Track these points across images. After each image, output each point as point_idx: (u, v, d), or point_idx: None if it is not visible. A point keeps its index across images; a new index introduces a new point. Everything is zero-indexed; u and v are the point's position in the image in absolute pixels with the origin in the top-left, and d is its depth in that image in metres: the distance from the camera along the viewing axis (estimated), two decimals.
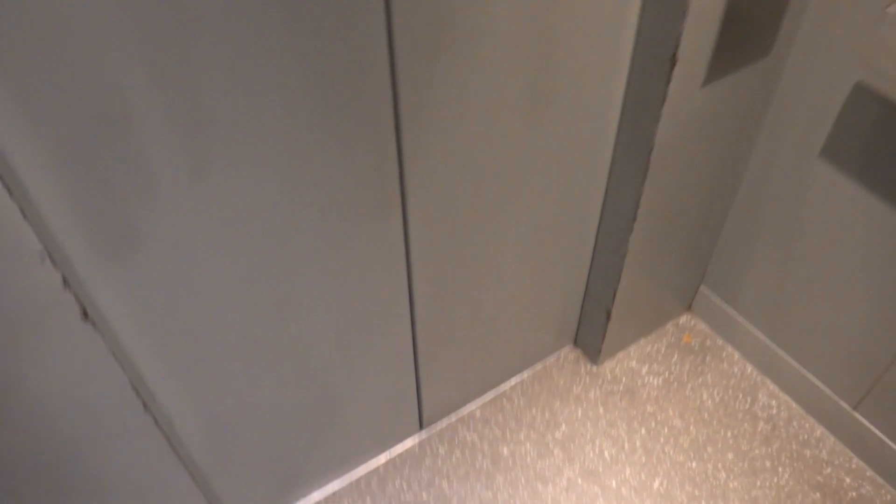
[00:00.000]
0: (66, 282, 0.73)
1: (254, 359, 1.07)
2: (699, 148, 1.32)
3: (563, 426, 1.61)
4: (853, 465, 1.55)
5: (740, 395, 1.67)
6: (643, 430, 1.60)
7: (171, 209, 0.79)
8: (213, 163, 0.78)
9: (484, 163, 1.09)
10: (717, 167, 1.41)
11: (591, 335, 1.67)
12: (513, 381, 1.69)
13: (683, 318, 1.82)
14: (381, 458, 1.56)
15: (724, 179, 1.46)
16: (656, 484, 1.52)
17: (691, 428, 1.61)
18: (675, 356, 1.74)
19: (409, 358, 1.37)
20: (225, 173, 0.80)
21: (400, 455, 1.56)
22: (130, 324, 0.87)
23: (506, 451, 1.57)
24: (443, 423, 1.61)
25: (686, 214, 1.47)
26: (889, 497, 1.49)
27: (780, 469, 1.54)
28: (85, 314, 0.76)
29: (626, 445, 1.57)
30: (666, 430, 1.60)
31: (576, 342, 1.75)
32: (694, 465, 1.55)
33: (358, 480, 1.53)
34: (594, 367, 1.72)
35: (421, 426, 1.59)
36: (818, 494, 1.50)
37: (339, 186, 0.93)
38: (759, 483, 1.52)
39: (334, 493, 1.51)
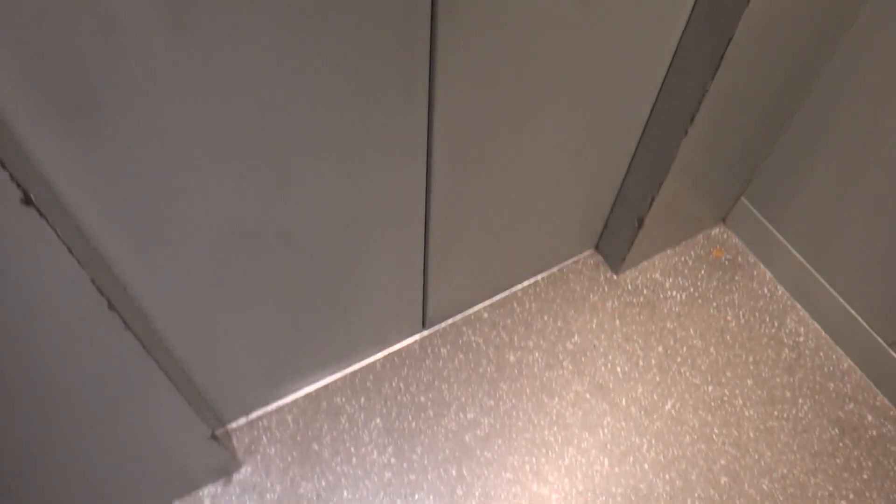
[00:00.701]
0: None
1: (242, 248, 0.92)
2: (781, 44, 1.12)
3: (576, 336, 1.49)
4: (878, 403, 1.46)
5: (767, 319, 1.55)
6: (660, 348, 1.49)
7: (140, 64, 0.61)
8: (195, 5, 0.59)
9: (530, 33, 0.90)
10: (792, 70, 1.21)
11: (617, 242, 1.52)
12: (525, 283, 1.56)
13: (716, 231, 1.67)
14: (379, 355, 1.45)
15: (795, 85, 1.27)
16: (668, 406, 1.42)
17: (711, 349, 1.50)
18: (703, 271, 1.61)
19: (419, 251, 1.22)
20: (210, 21, 0.61)
21: (399, 353, 1.46)
22: (91, 209, 0.71)
23: (512, 358, 1.46)
24: (447, 323, 1.49)
25: (747, 120, 1.28)
26: None
27: (799, 400, 1.45)
28: (27, 199, 0.59)
29: (641, 363, 1.47)
30: (684, 349, 1.49)
31: (598, 247, 1.61)
32: (710, 389, 1.45)
33: (353, 376, 1.43)
34: (615, 276, 1.58)
35: (424, 325, 1.47)
36: (836, 430, 1.42)
37: (353, 47, 0.74)
38: (776, 413, 1.43)
39: (326, 387, 1.41)
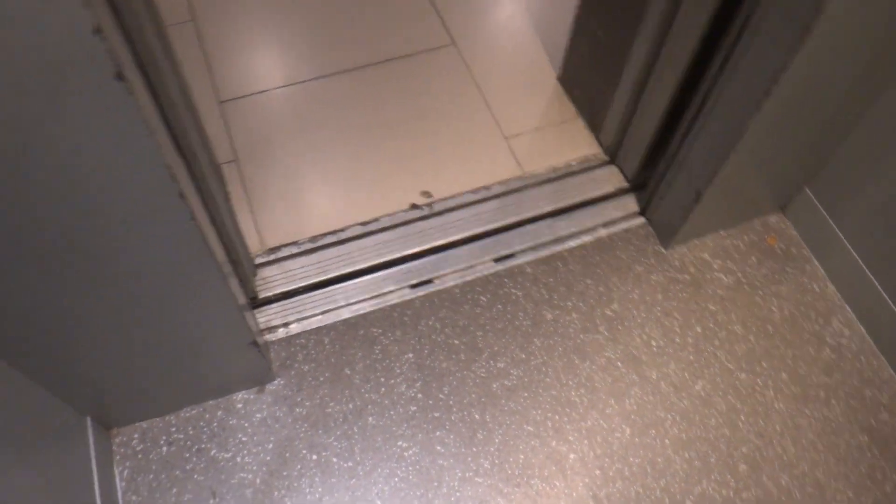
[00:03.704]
0: (98, 30, 0.58)
1: None
2: (872, 20, 1.07)
3: (616, 304, 1.49)
4: None
5: (813, 315, 1.53)
6: (699, 328, 1.48)
7: None
8: None
9: None
10: (880, 53, 1.16)
11: (671, 214, 1.51)
12: (572, 243, 1.56)
13: (774, 218, 1.64)
14: (418, 294, 1.47)
15: (879, 71, 1.22)
16: (698, 386, 1.42)
17: (751, 337, 1.48)
18: (754, 257, 1.58)
19: None
20: None
21: (438, 294, 1.48)
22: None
23: (549, 315, 1.47)
24: (490, 272, 1.51)
25: (825, 105, 1.25)
26: None
27: (832, 402, 1.43)
28: (119, 75, 0.61)
29: (678, 340, 1.47)
30: (723, 333, 1.48)
31: (650, 218, 1.59)
32: (743, 376, 1.44)
33: (391, 309, 1.45)
34: (663, 250, 1.57)
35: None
36: (866, 437, 1.40)
37: None
38: (807, 411, 1.42)
39: (365, 316, 1.44)
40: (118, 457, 1.28)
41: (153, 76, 0.85)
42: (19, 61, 0.58)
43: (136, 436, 1.30)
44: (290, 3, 1.94)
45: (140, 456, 1.29)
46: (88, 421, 1.22)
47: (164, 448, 1.29)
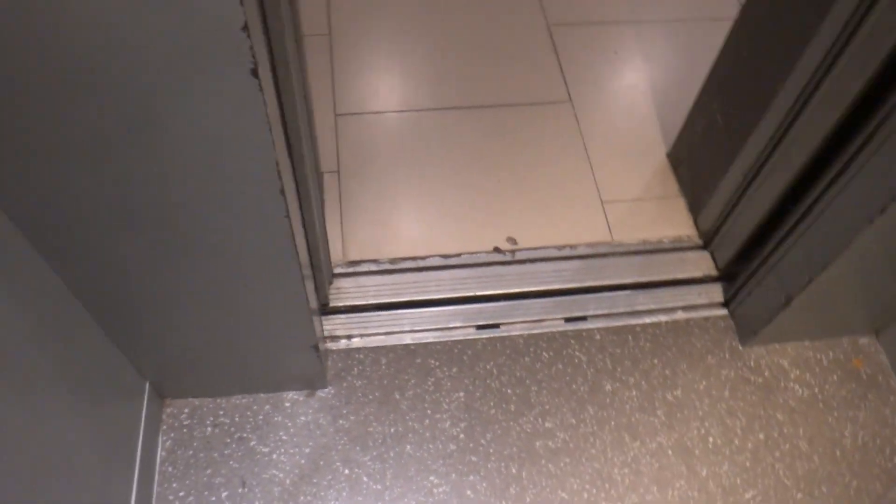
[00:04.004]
0: (246, 27, 0.62)
1: None
2: None
3: (679, 391, 1.45)
4: None
5: (888, 451, 1.43)
6: (762, 435, 1.42)
7: None
8: None
9: None
10: None
11: (756, 313, 1.46)
12: (647, 319, 1.53)
13: (865, 340, 1.56)
14: (483, 336, 1.47)
15: None
16: (748, 495, 1.35)
17: (815, 458, 1.41)
18: (836, 376, 1.51)
19: None
20: None
21: (503, 340, 1.47)
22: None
23: (609, 386, 1.44)
24: (557, 330, 1.49)
25: None
26: None
27: None
28: (254, 71, 0.66)
29: (737, 441, 1.40)
30: (787, 446, 1.41)
31: (733, 312, 1.54)
32: (799, 496, 1.36)
33: (453, 344, 1.46)
34: (740, 347, 1.52)
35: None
36: None
37: None
38: None
39: (426, 346, 1.45)
40: (165, 426, 1.33)
41: (282, 78, 0.90)
42: (170, 42, 0.63)
43: (185, 410, 1.35)
44: (421, 34, 2.01)
45: (185, 430, 1.33)
46: (147, 385, 1.27)
47: (209, 429, 1.33)
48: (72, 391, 0.99)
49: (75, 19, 0.60)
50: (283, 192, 0.85)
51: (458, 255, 1.58)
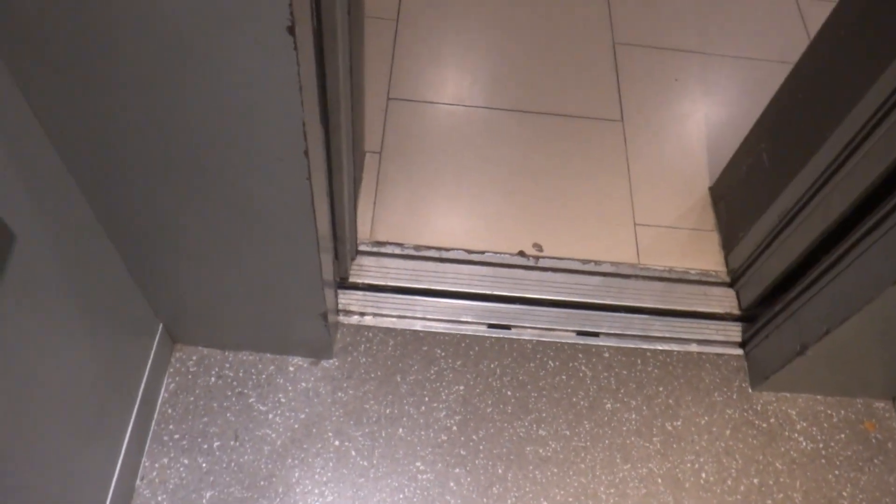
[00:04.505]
0: None
1: None
2: None
3: (679, 422, 1.43)
4: None
5: None
6: (756, 480, 1.39)
7: None
8: None
9: None
10: None
11: (770, 357, 1.43)
12: (660, 346, 1.51)
13: (881, 405, 1.52)
14: (492, 335, 1.48)
15: None
16: None
17: None
18: (843, 435, 1.47)
19: None
20: None
21: (511, 342, 1.48)
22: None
23: (609, 405, 1.43)
24: (567, 342, 1.49)
25: None
26: None
27: None
28: (291, 29, 0.68)
29: (729, 482, 1.38)
30: (781, 496, 1.38)
31: (748, 353, 1.52)
32: None
33: (461, 338, 1.47)
34: (749, 390, 1.49)
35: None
36: None
37: None
38: None
39: (434, 335, 1.47)
40: (171, 369, 1.37)
41: (327, 45, 0.92)
42: None
43: (193, 357, 1.39)
44: (485, 32, 2.03)
45: (190, 377, 1.37)
46: (161, 327, 1.32)
47: (213, 379, 1.37)
48: (88, 317, 1.03)
49: None
50: (306, 153, 0.88)
51: (482, 252, 1.59)
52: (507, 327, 1.50)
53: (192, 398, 1.35)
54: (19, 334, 0.86)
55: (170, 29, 0.70)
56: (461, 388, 1.42)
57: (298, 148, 0.86)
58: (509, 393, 1.42)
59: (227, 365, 1.39)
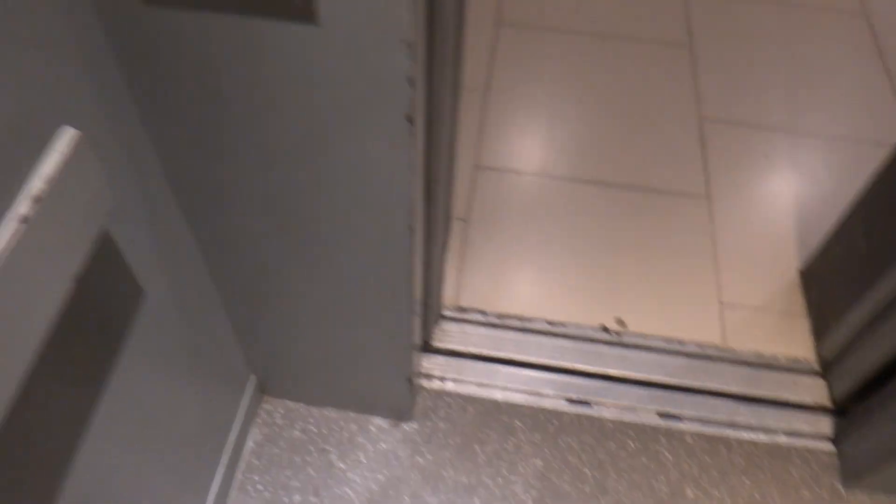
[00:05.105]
0: (412, 81, 0.70)
1: None
2: None
3: None
4: None
5: None
6: None
7: None
8: None
9: None
10: None
11: (865, 456, 1.37)
12: (745, 434, 1.47)
13: None
14: (572, 410, 1.48)
15: None
16: None
17: None
18: None
19: None
20: None
21: (591, 419, 1.47)
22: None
23: (690, 493, 1.39)
24: (651, 423, 1.47)
25: None
26: None
27: None
28: (410, 119, 0.73)
29: None
30: None
31: (841, 450, 1.46)
32: None
33: (541, 411, 1.47)
34: (841, 489, 1.42)
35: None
36: None
37: None
38: None
39: (514, 406, 1.47)
40: (260, 420, 1.42)
41: (434, 125, 0.98)
42: (348, 82, 0.71)
43: (280, 410, 1.43)
44: (573, 102, 2.07)
45: (276, 429, 1.41)
46: (253, 378, 1.37)
47: (297, 433, 1.41)
48: (195, 367, 1.09)
49: (277, 64, 0.70)
50: (411, 227, 0.92)
51: (564, 324, 1.59)
52: (587, 403, 1.49)
53: (276, 450, 1.39)
54: (139, 383, 0.91)
55: (315, 121, 0.76)
56: (539, 462, 1.41)
57: (404, 222, 0.90)
58: (587, 471, 1.40)
59: (312, 420, 1.43)
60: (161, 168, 0.89)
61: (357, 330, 1.17)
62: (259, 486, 1.35)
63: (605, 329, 1.60)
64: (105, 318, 0.78)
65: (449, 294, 1.63)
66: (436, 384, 1.49)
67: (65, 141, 0.62)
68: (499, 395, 1.49)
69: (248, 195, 0.90)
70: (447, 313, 1.59)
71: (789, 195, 1.91)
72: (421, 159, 0.90)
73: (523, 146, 1.97)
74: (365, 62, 0.70)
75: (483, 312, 1.60)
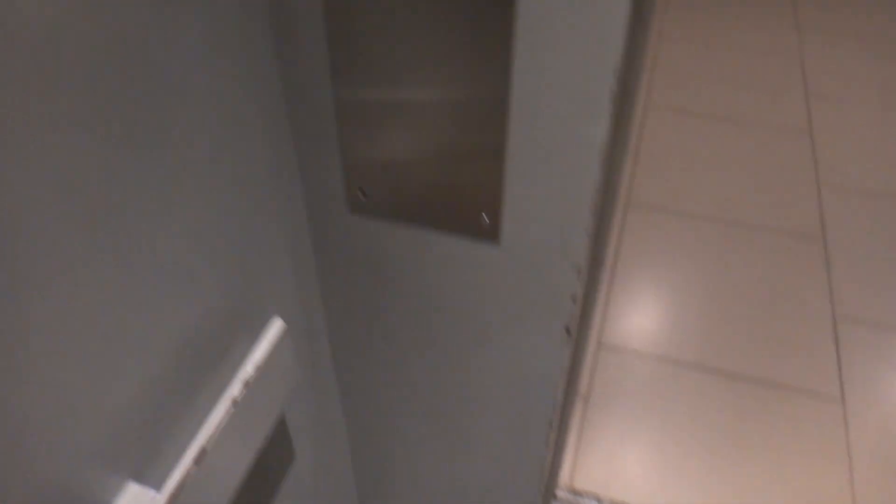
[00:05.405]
0: (575, 299, 0.76)
1: None
2: None
3: None
4: None
5: None
6: None
7: None
8: None
9: None
10: None
11: None
12: None
13: None
14: None
15: None
16: None
17: None
18: None
19: None
20: None
21: None
22: None
23: None
24: None
25: None
26: None
27: None
28: (568, 330, 0.79)
29: None
30: None
31: None
32: None
33: None
34: None
35: None
36: None
37: None
38: None
39: None
40: None
41: (582, 329, 1.03)
42: (515, 294, 0.78)
43: None
44: (702, 285, 2.08)
45: None
46: None
47: None
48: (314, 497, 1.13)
49: (437, 284, 0.78)
50: (550, 423, 0.95)
51: None
52: None
53: None
54: None
55: (479, 322, 0.83)
56: None
57: (545, 418, 0.93)
58: None
59: None
60: (330, 350, 0.98)
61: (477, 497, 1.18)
62: None
63: None
64: (263, 482, 0.85)
65: (564, 474, 1.61)
66: None
67: (274, 331, 0.71)
68: None
69: (403, 380, 0.97)
70: (562, 494, 1.56)
71: None
72: (569, 362, 0.95)
73: (647, 328, 1.98)
74: (535, 280, 0.77)
75: (598, 499, 1.57)
